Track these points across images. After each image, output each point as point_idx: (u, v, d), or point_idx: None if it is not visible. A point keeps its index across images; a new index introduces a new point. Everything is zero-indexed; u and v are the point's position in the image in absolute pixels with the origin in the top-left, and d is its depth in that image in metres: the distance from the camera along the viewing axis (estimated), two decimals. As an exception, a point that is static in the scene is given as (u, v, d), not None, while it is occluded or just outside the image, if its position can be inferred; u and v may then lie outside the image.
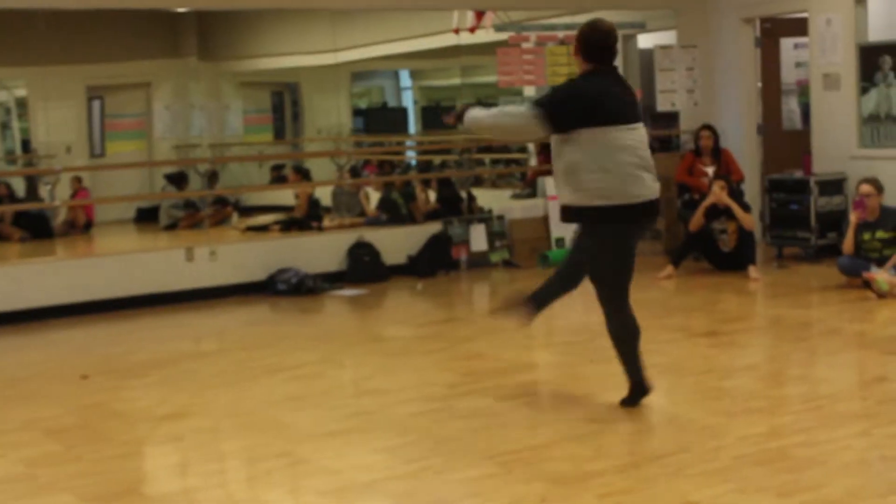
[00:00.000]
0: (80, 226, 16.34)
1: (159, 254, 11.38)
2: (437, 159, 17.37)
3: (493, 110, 6.25)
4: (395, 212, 12.78)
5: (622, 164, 5.87)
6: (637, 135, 5.98)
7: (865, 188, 9.83)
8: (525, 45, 12.35)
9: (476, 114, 6.20)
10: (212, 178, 17.28)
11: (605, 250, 6.05)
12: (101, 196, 17.09)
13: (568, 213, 6.08)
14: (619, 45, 6.42)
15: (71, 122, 18.45)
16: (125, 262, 10.90)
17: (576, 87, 6.05)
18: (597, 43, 6.02)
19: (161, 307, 10.50)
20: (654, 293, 10.16)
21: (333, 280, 11.26)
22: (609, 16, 12.96)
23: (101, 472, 5.53)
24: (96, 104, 19.13)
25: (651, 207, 6.02)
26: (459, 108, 6.33)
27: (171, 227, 16.16)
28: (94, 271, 10.58)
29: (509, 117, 6.14)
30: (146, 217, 17.81)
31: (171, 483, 5.51)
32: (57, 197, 13.85)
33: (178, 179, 16.78)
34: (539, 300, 6.67)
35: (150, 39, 19.09)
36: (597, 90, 5.95)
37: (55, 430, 6.36)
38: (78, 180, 16.57)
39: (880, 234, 9.77)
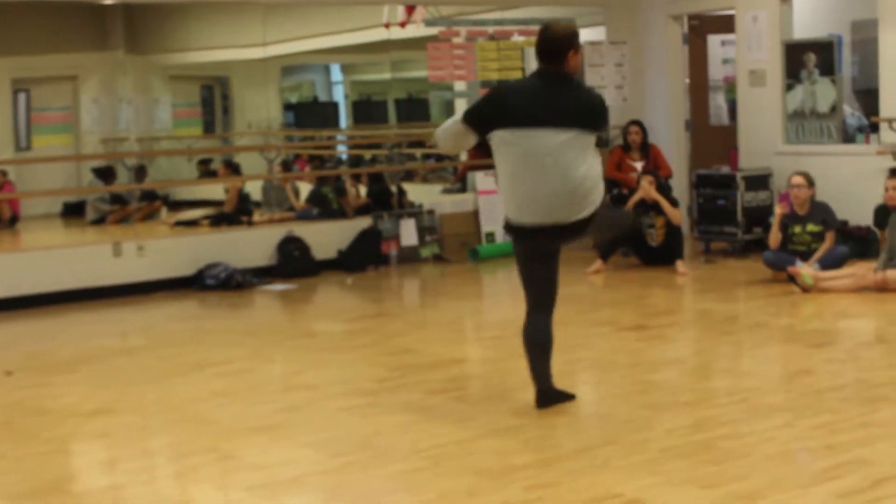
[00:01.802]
0: (5, 220, 16.12)
1: (86, 249, 11.26)
2: (367, 154, 17.34)
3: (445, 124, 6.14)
4: (325, 206, 12.75)
5: (515, 177, 5.75)
6: (546, 143, 5.67)
7: (797, 179, 9.94)
8: (455, 41, 12.37)
9: (437, 131, 6.11)
10: (140, 172, 17.13)
11: (518, 258, 6.06)
12: (27, 190, 16.86)
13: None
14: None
15: (-5, 116, 18.19)
16: (51, 257, 10.77)
17: (499, 87, 6.04)
18: (540, 45, 5.84)
19: (88, 303, 10.40)
20: (582, 288, 10.22)
21: (263, 275, 11.21)
22: (539, 12, 13.09)
23: (26, 470, 5.46)
24: (22, 97, 18.87)
25: (547, 233, 5.79)
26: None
27: (99, 221, 15.98)
28: (20, 266, 10.45)
29: (447, 126, 6.04)
30: (73, 211, 17.60)
31: (97, 480, 5.46)
32: (-19, 191, 13.64)
33: (105, 174, 16.59)
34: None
35: (77, 32, 18.87)
36: (521, 90, 5.86)
37: (-22, 428, 6.28)
38: (3, 174, 16.35)
39: (811, 227, 9.90)
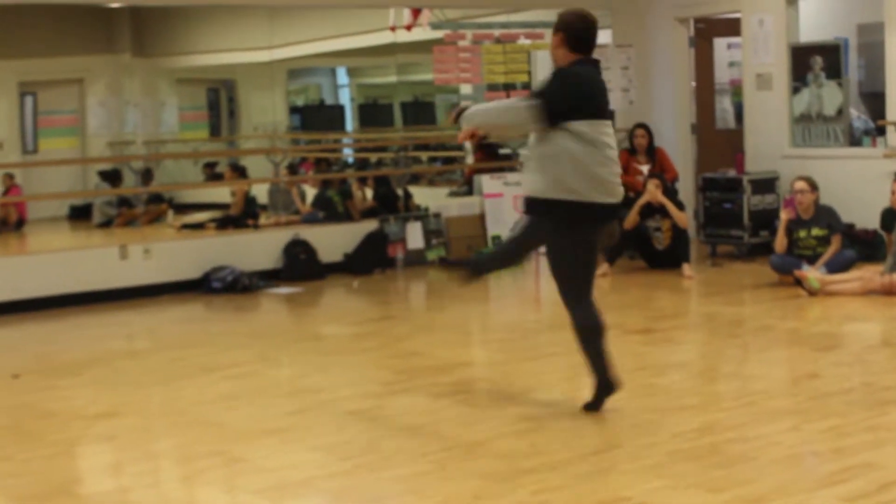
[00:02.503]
0: (12, 223, 16.15)
1: (93, 252, 11.26)
2: (373, 157, 17.35)
3: (489, 105, 6.16)
4: (331, 209, 12.75)
5: (602, 161, 5.81)
6: (612, 133, 5.96)
7: (799, 184, 9.94)
8: (461, 44, 12.37)
9: (472, 110, 6.05)
10: (146, 175, 17.16)
11: (568, 246, 5.93)
12: (34, 193, 16.89)
13: (534, 205, 5.95)
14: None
15: (2, 119, 18.24)
16: (58, 260, 10.79)
17: (573, 75, 5.89)
18: (584, 33, 5.90)
19: (94, 305, 10.40)
20: (589, 291, 10.20)
21: (269, 278, 11.21)
22: (545, 15, 13.08)
23: (32, 473, 5.47)
24: (29, 100, 18.91)
25: (617, 210, 6.04)
26: (460, 106, 6.22)
27: (105, 224, 16.00)
28: (27, 269, 10.46)
29: (503, 111, 6.02)
30: (79, 215, 17.63)
31: (103, 483, 5.47)
32: (-12, 194, 13.68)
33: (112, 177, 16.61)
34: (479, 267, 6.57)
35: (84, 35, 18.91)
36: (591, 79, 5.91)
37: (-15, 430, 6.29)
38: (10, 177, 16.38)
39: (816, 231, 9.89)
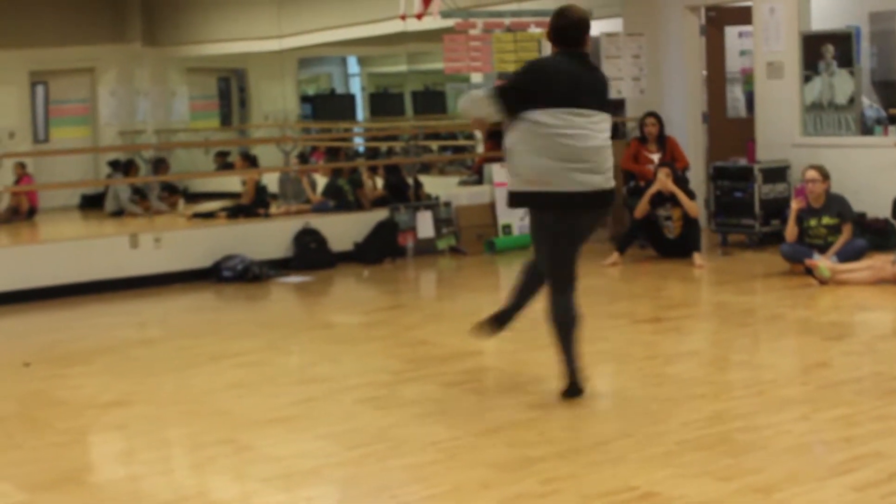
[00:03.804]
0: (24, 212, 16.20)
1: (104, 240, 11.29)
2: (384, 146, 17.35)
3: (469, 94, 6.21)
4: (341, 198, 12.75)
5: (563, 150, 5.79)
6: (587, 122, 5.85)
7: (811, 173, 9.91)
8: (472, 32, 12.34)
9: (460, 101, 6.27)
10: (159, 164, 17.18)
11: (541, 236, 6.02)
12: (46, 182, 16.93)
13: (510, 198, 6.08)
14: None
15: (14, 108, 18.27)
16: (69, 248, 10.82)
17: (531, 65, 6.09)
18: (563, 29, 5.95)
19: (105, 294, 10.43)
20: (599, 280, 10.20)
21: (279, 267, 11.23)
22: (554, 3, 13.04)
23: (42, 460, 5.48)
24: (40, 89, 18.95)
25: (593, 198, 5.91)
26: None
27: (118, 213, 16.04)
28: (38, 258, 10.48)
29: (473, 101, 6.09)
30: (91, 203, 17.69)
31: (114, 470, 5.48)
32: (0, 183, 13.71)
33: (125, 168, 16.65)
34: (503, 317, 6.57)
35: (95, 24, 18.94)
36: (553, 68, 5.92)
37: (-4, 418, 6.31)
38: (21, 166, 16.42)
39: (826, 220, 9.86)
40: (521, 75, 6.02)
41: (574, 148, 5.80)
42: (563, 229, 5.95)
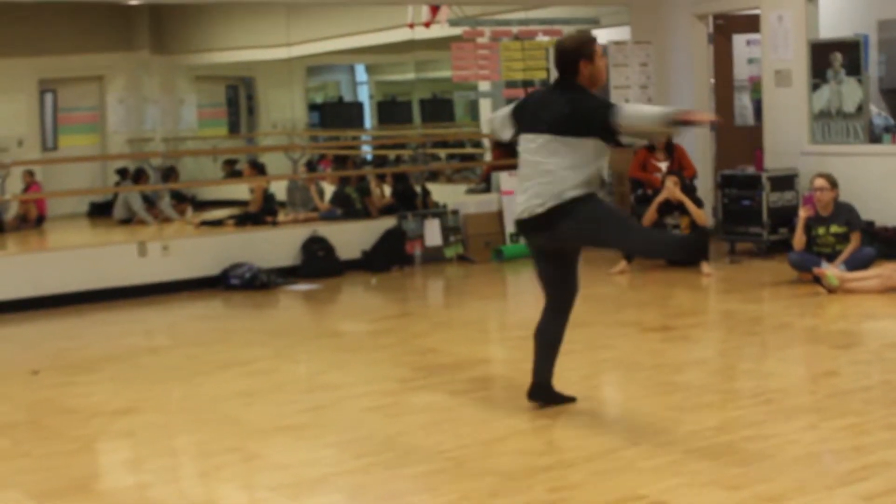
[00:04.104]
0: (32, 220, 16.21)
1: (112, 248, 11.31)
2: (392, 154, 17.36)
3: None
4: (349, 206, 12.77)
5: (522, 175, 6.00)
6: (532, 145, 5.91)
7: (819, 182, 9.89)
8: (479, 41, 12.37)
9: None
10: (169, 173, 17.20)
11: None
12: (54, 190, 16.95)
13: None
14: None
15: (22, 116, 18.30)
16: (77, 256, 10.83)
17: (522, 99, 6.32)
18: (556, 58, 6.00)
19: (113, 302, 10.45)
20: (607, 288, 10.20)
21: (287, 275, 11.24)
22: (563, 12, 13.07)
23: (50, 468, 5.49)
24: (48, 97, 18.99)
25: (523, 225, 5.98)
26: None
27: (126, 221, 16.06)
28: (46, 266, 10.50)
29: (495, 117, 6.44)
30: (99, 211, 17.70)
31: (122, 478, 5.48)
32: (8, 191, 13.72)
33: (136, 177, 16.67)
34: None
35: (103, 32, 18.97)
36: (530, 99, 6.14)
37: (3, 426, 6.31)
38: (30, 174, 16.44)
39: (834, 228, 9.85)
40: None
41: (522, 176, 6.01)
42: (531, 250, 6.22)
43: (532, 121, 5.93)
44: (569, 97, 5.85)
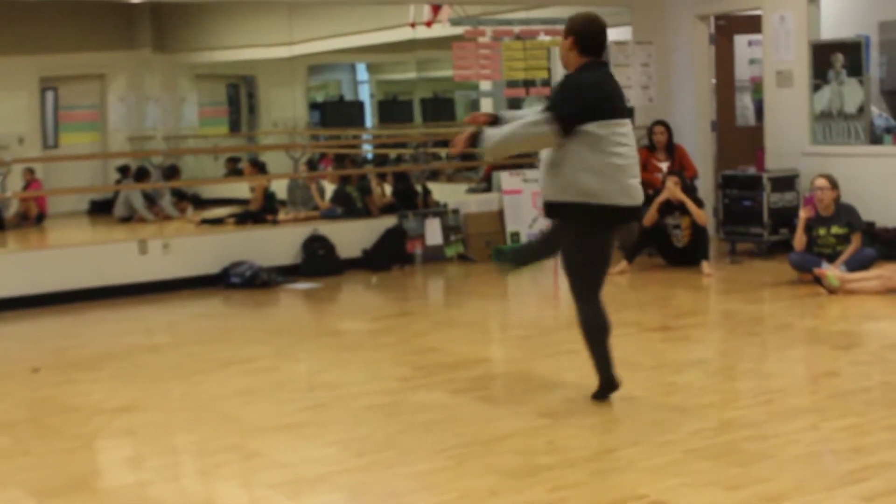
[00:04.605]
0: (33, 218, 16.21)
1: (112, 246, 11.31)
2: (393, 153, 17.37)
3: (506, 131, 5.96)
4: (350, 205, 12.77)
5: (616, 163, 5.84)
6: (630, 132, 5.96)
7: (820, 181, 9.89)
8: (481, 40, 12.36)
9: (491, 139, 5.98)
10: (171, 171, 17.20)
11: (583, 246, 6.02)
12: (54, 188, 16.95)
13: (552, 210, 6.04)
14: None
15: (23, 113, 18.31)
16: (78, 254, 10.83)
17: (581, 81, 5.92)
18: (596, 37, 5.95)
19: (114, 300, 10.45)
20: (607, 288, 10.05)
21: (288, 273, 11.24)
22: (565, 11, 13.04)
23: (51, 466, 5.49)
24: (50, 95, 18.99)
25: (637, 212, 6.10)
26: (468, 133, 6.14)
27: (127, 219, 16.06)
28: (47, 264, 10.50)
29: (526, 137, 5.92)
30: (100, 209, 17.70)
31: (122, 477, 5.48)
32: (9, 188, 13.71)
33: (138, 175, 16.67)
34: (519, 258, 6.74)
35: (105, 31, 18.97)
36: (600, 81, 5.92)
37: (4, 424, 6.31)
38: (30, 172, 16.44)
39: (835, 229, 9.85)
40: (577, 93, 5.88)
41: (624, 158, 5.89)
42: (602, 240, 6.09)
43: (619, 106, 5.95)
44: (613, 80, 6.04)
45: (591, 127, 5.79)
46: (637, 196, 5.95)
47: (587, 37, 5.94)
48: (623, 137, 5.88)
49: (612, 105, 5.88)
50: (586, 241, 6.01)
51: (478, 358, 7.69)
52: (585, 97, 5.84)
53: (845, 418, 5.72)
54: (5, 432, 6.15)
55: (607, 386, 6.17)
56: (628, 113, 6.03)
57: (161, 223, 15.28)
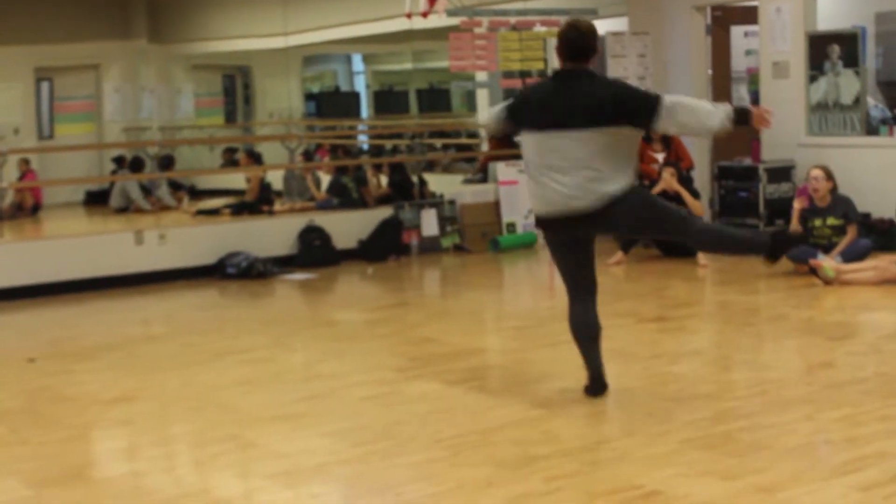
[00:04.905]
0: (28, 208, 16.20)
1: (108, 237, 11.32)
2: (388, 144, 17.36)
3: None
4: (346, 196, 12.76)
5: (538, 172, 5.83)
6: (556, 143, 5.74)
7: (815, 172, 9.90)
8: (477, 31, 12.34)
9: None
10: (166, 161, 17.19)
11: (548, 248, 6.28)
12: (50, 178, 16.94)
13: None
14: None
15: (19, 104, 18.29)
16: (74, 245, 10.83)
17: (522, 91, 6.23)
18: (570, 42, 5.85)
19: (110, 290, 10.45)
20: (603, 279, 10.09)
21: (284, 264, 11.24)
22: (561, 2, 13.06)
23: (48, 456, 5.49)
24: (45, 86, 18.97)
25: (559, 223, 5.88)
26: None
27: (123, 209, 16.05)
28: (43, 254, 10.50)
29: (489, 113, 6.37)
30: (95, 200, 17.69)
31: (118, 467, 5.49)
32: (4, 179, 13.68)
33: (134, 165, 16.64)
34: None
35: (100, 21, 18.95)
36: (541, 93, 5.93)
37: (0, 414, 6.31)
38: (26, 162, 16.43)
39: (831, 220, 9.86)
40: (514, 100, 6.16)
41: (547, 169, 5.83)
42: (553, 246, 6.18)
43: (553, 117, 5.80)
44: (595, 84, 5.81)
45: (524, 137, 5.98)
46: (555, 202, 5.78)
47: (562, 42, 5.88)
48: (549, 150, 5.77)
49: (543, 117, 5.78)
50: (547, 243, 6.26)
51: (474, 348, 7.70)
52: (518, 105, 6.04)
53: (840, 409, 5.73)
54: (1, 422, 6.15)
55: (592, 383, 6.12)
56: (576, 121, 5.68)
57: (158, 214, 15.26)
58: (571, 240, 6.03)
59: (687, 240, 6.07)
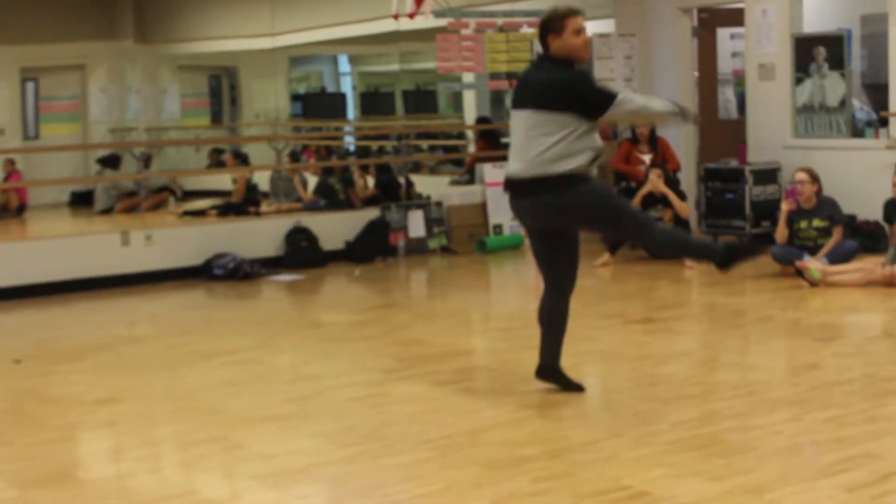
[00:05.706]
0: (13, 209, 16.15)
1: (94, 238, 11.27)
2: (375, 145, 17.35)
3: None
4: (332, 197, 12.75)
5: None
6: (519, 121, 6.02)
7: (800, 175, 9.93)
8: (464, 32, 12.36)
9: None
10: (146, 161, 17.13)
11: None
12: (35, 179, 16.89)
13: None
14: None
15: (4, 104, 18.24)
16: (59, 245, 10.80)
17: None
18: (540, 33, 6.18)
19: (96, 291, 10.41)
20: (590, 280, 10.20)
21: (271, 265, 11.22)
22: (547, 3, 13.02)
23: (33, 457, 5.47)
24: (30, 86, 18.91)
25: (510, 184, 6.08)
26: None
27: (108, 210, 16.01)
28: (28, 255, 10.47)
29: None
30: (81, 201, 17.64)
31: (104, 468, 5.47)
32: (-11, 179, 13.68)
33: (110, 162, 16.57)
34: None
35: (86, 21, 18.90)
36: (520, 78, 6.37)
37: (-14, 415, 6.30)
38: (11, 163, 16.39)
39: (816, 222, 9.88)
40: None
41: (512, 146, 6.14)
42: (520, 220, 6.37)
43: (518, 98, 6.11)
44: (548, 71, 6.04)
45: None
46: (509, 171, 6.10)
47: (539, 32, 6.21)
48: (514, 126, 6.09)
49: (514, 98, 6.18)
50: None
51: (461, 350, 7.70)
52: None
53: (827, 410, 5.74)
54: (-13, 423, 6.13)
55: (539, 368, 6.22)
56: (521, 103, 6.03)
57: (143, 214, 15.22)
58: (541, 230, 6.14)
59: (643, 242, 6.23)
